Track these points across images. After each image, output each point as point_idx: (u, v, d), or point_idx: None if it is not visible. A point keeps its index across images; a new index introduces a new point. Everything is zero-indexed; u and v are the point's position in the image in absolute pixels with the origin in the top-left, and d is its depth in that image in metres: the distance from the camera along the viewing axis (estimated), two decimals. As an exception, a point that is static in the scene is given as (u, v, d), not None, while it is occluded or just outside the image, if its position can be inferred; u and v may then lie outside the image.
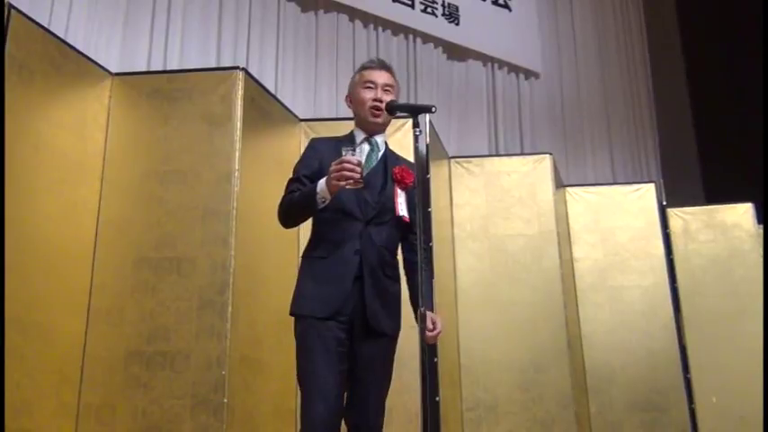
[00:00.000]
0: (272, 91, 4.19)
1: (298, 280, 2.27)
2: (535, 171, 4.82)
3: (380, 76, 2.35)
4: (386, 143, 2.41)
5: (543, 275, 4.53)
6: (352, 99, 2.39)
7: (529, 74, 6.55)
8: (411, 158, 4.01)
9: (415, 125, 2.18)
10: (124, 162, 3.38)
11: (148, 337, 3.10)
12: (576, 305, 4.95)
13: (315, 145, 2.37)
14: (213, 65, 4.41)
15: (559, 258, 4.58)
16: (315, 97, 4.96)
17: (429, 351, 3.33)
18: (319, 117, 4.50)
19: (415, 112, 2.24)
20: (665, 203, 5.39)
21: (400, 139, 4.17)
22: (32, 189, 2.92)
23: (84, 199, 3.24)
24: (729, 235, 5.37)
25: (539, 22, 6.73)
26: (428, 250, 4.00)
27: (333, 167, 2.07)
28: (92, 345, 3.11)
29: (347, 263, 2.18)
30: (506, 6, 6.46)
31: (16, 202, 2.75)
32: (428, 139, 4.37)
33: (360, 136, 2.36)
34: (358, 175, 2.06)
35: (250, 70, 3.76)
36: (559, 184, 5.11)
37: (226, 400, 2.97)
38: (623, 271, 5.07)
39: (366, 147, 2.33)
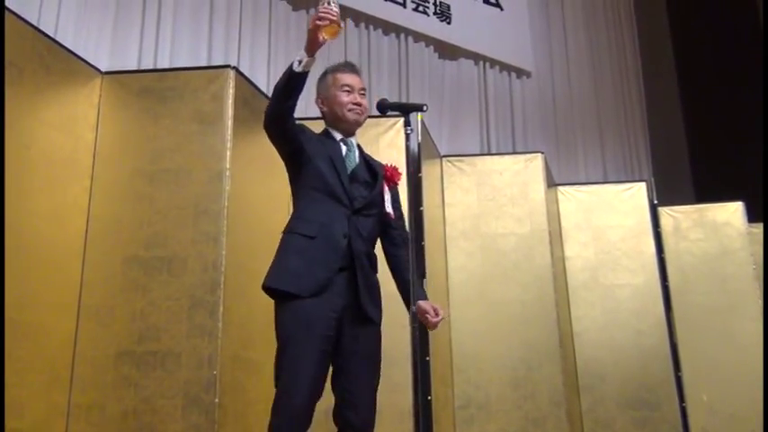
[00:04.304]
0: (264, 90, 4.18)
1: (278, 255, 2.22)
2: (527, 170, 4.84)
3: (356, 81, 2.40)
4: (358, 144, 2.44)
5: (535, 274, 4.54)
6: (327, 101, 2.40)
7: (520, 73, 6.55)
8: (402, 157, 4.04)
9: (407, 124, 2.23)
10: (114, 161, 3.36)
11: (139, 336, 3.09)
12: (568, 303, 4.97)
13: (303, 127, 2.37)
14: (204, 63, 4.39)
15: (551, 257, 4.59)
16: (306, 97, 4.93)
17: (421, 350, 3.35)
18: (310, 116, 4.48)
19: (406, 110, 2.28)
20: (656, 202, 5.42)
21: (392, 137, 4.19)
22: (22, 188, 2.91)
23: (74, 198, 3.23)
24: (720, 233, 5.40)
25: (530, 21, 6.73)
26: (420, 248, 4.02)
27: (312, 16, 2.11)
28: (82, 344, 3.10)
29: (336, 245, 2.18)
30: (498, 5, 6.46)
31: (5, 200, 2.73)
32: (420, 138, 4.38)
33: (337, 135, 2.39)
34: (335, 18, 2.08)
35: (241, 69, 3.75)
36: (551, 183, 5.13)
37: (217, 400, 2.96)
38: (614, 269, 5.09)
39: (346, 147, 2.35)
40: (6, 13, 2.88)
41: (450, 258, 4.64)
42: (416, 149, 4.35)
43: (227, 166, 3.27)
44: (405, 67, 5.68)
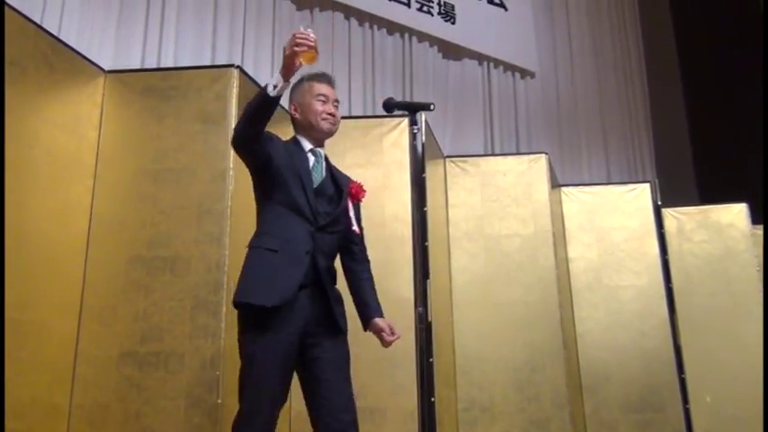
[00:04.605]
0: (267, 89, 4.16)
1: (244, 270, 2.26)
2: (531, 170, 4.81)
3: (331, 92, 2.42)
4: (325, 156, 2.46)
5: (539, 275, 4.52)
6: (301, 107, 2.41)
7: (524, 73, 6.54)
8: (406, 157, 4.03)
9: (413, 123, 2.23)
10: (117, 160, 3.35)
11: (142, 337, 3.07)
12: (572, 305, 4.95)
13: (271, 136, 2.37)
14: (208, 63, 4.38)
15: (555, 258, 4.57)
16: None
17: (426, 351, 3.33)
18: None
19: (413, 109, 2.28)
20: (659, 203, 5.39)
21: (396, 137, 4.16)
22: (25, 187, 2.89)
23: (77, 197, 3.21)
24: (724, 235, 5.37)
25: (534, 22, 6.72)
26: (423, 249, 4.00)
27: (288, 42, 2.11)
28: (84, 345, 3.08)
29: (298, 261, 2.21)
30: (502, 5, 6.45)
31: (8, 199, 2.72)
32: (424, 138, 4.36)
33: (306, 144, 2.39)
34: (312, 44, 2.09)
35: (245, 68, 3.73)
36: (555, 184, 5.11)
37: (220, 401, 2.94)
38: (618, 271, 5.07)
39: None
40: (10, 11, 2.87)
41: (454, 260, 4.62)
42: (421, 149, 4.33)
43: (231, 165, 3.25)
44: (408, 67, 5.67)
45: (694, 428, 4.76)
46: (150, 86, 3.44)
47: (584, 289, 5.02)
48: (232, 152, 3.27)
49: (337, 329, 2.26)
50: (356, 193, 2.42)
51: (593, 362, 4.83)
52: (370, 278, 2.45)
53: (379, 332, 2.31)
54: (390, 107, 2.33)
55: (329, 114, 2.38)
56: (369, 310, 2.36)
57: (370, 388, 3.52)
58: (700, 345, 5.00)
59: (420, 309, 2.13)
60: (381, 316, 2.36)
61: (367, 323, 2.36)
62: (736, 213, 5.40)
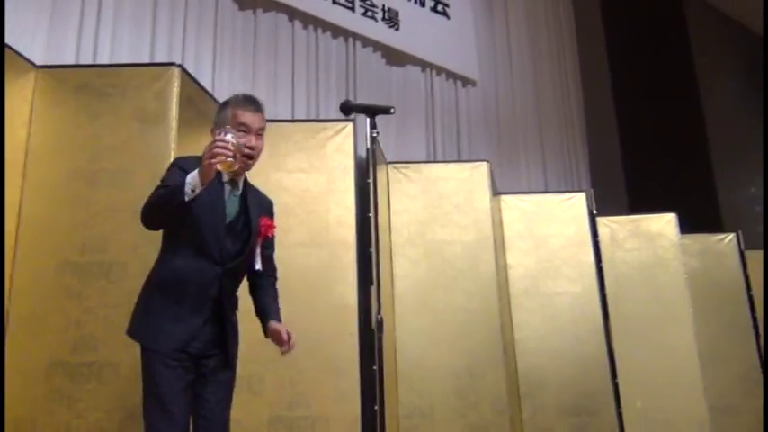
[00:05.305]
0: (209, 90, 4.06)
1: (144, 306, 2.25)
2: (472, 178, 4.86)
3: (255, 120, 2.33)
4: (244, 178, 2.42)
5: (480, 282, 4.56)
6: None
7: (466, 81, 6.62)
8: (349, 161, 4.00)
9: (373, 126, 2.22)
10: (48, 160, 3.19)
11: (74, 346, 2.93)
12: (510, 311, 5.02)
13: (179, 164, 2.29)
14: (146, 60, 4.23)
15: (496, 265, 4.62)
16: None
17: (369, 358, 3.31)
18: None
19: (373, 112, 2.26)
20: (594, 212, 5.54)
21: (339, 142, 4.14)
22: (-54, 187, 2.72)
23: (4, 198, 3.03)
24: (654, 244, 5.57)
25: (476, 32, 6.81)
26: (368, 256, 3.98)
27: (205, 148, 2.04)
28: (11, 355, 2.90)
29: (200, 308, 2.22)
30: (445, 14, 6.51)
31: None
32: (368, 144, 4.34)
33: (224, 175, 2.30)
34: (231, 154, 2.03)
35: (185, 67, 3.62)
36: (495, 192, 5.18)
37: (157, 413, 2.83)
38: (555, 277, 5.16)
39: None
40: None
41: (396, 266, 4.62)
42: (366, 154, 4.31)
43: (171, 166, 3.14)
44: (352, 72, 5.64)
45: (626, 432, 4.90)
46: (85, 84, 3.30)
47: (522, 295, 5.09)
48: (173, 154, 3.17)
49: (227, 364, 2.29)
50: (265, 231, 2.39)
51: (531, 367, 4.91)
52: (274, 287, 2.48)
53: (276, 335, 2.29)
54: (348, 109, 2.29)
55: (249, 148, 2.29)
56: (268, 314, 2.36)
57: (314, 396, 3.47)
58: (631, 350, 5.15)
59: (379, 316, 2.14)
60: (278, 320, 2.35)
61: (266, 329, 2.35)
62: (666, 223, 5.61)
